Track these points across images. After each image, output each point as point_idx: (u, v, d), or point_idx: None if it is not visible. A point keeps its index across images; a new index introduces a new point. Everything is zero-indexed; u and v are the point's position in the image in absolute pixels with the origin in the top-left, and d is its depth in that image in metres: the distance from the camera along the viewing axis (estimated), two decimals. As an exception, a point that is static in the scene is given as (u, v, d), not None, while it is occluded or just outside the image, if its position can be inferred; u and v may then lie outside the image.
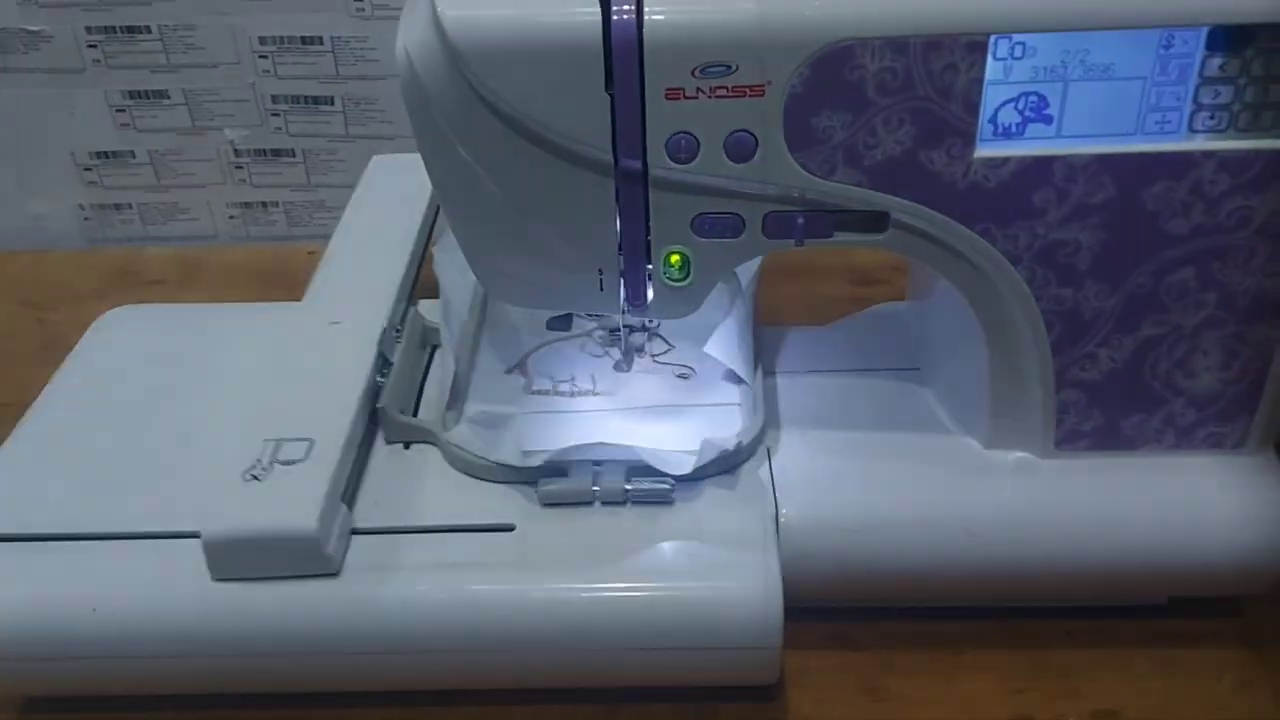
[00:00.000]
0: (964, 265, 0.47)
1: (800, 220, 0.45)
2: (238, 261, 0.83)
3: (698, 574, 0.46)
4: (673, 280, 0.47)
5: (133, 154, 0.84)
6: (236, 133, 0.83)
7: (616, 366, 0.57)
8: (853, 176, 0.44)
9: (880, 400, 0.55)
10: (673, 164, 0.43)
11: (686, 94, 0.42)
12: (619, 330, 0.57)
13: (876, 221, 0.46)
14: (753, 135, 0.43)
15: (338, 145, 0.83)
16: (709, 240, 0.46)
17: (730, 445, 0.50)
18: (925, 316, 0.58)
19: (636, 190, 0.45)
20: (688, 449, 0.50)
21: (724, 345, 0.54)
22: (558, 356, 0.58)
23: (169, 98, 0.82)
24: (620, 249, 0.47)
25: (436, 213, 0.64)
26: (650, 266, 0.47)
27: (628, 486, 0.49)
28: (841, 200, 0.45)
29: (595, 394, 0.56)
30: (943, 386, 0.54)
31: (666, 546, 0.47)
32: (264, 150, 0.84)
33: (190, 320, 0.62)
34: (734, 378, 0.55)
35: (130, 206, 0.87)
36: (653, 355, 0.58)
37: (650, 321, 0.58)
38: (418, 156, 0.46)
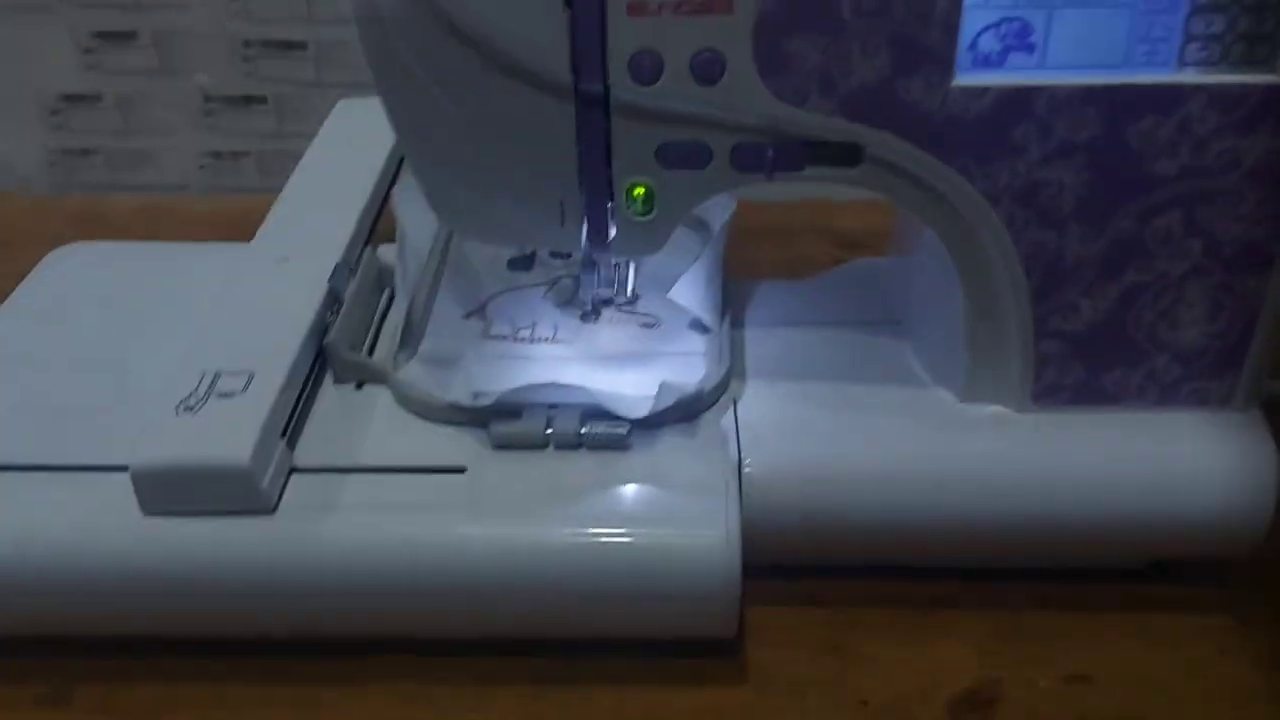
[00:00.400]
0: (942, 206, 0.44)
1: (770, 152, 0.43)
2: (206, 211, 0.80)
3: (654, 520, 0.44)
4: (636, 214, 0.45)
5: (99, 97, 0.82)
6: (206, 78, 0.81)
7: (582, 318, 0.55)
8: (826, 105, 0.42)
9: (854, 353, 0.53)
10: (635, 85, 0.41)
11: (650, 9, 0.40)
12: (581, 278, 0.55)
13: (850, 155, 0.43)
14: (720, 56, 0.41)
15: (309, 91, 0.81)
16: (674, 172, 0.44)
17: (690, 389, 0.48)
18: (905, 271, 0.55)
19: (597, 114, 0.42)
20: (647, 394, 0.48)
21: (690, 292, 0.52)
22: (519, 304, 0.56)
23: (138, 39, 0.80)
24: (581, 180, 0.44)
25: (401, 157, 0.62)
26: (613, 203, 0.45)
27: (583, 430, 0.46)
28: (813, 130, 0.42)
29: (555, 342, 0.54)
30: (920, 340, 0.52)
31: (621, 492, 0.45)
32: (234, 96, 0.82)
33: (139, 257, 0.60)
34: (700, 326, 0.53)
35: (97, 152, 0.84)
36: (618, 305, 0.56)
37: (617, 268, 0.56)
38: None
